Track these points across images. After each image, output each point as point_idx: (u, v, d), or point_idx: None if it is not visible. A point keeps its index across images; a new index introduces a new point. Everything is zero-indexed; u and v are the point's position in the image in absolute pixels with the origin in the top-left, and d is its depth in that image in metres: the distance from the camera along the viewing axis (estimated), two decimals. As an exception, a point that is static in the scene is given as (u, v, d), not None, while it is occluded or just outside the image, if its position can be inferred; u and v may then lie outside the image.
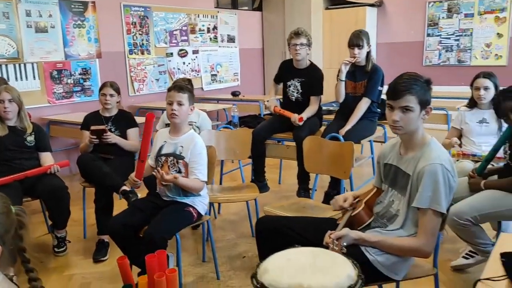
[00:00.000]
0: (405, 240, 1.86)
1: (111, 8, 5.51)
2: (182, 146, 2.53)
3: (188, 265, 2.99)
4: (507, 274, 1.31)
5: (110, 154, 3.39)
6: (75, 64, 5.21)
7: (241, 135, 3.38)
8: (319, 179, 3.12)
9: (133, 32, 5.76)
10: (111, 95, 3.48)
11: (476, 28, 6.85)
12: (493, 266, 1.38)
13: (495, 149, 2.66)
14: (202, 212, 2.62)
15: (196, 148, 2.51)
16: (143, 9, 5.85)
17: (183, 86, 2.55)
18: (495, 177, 2.70)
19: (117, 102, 3.56)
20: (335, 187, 3.40)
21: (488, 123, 3.21)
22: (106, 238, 3.16)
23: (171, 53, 6.29)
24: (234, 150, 3.37)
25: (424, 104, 1.84)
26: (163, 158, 2.57)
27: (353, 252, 1.80)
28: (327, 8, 7.66)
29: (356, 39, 3.47)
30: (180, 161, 2.51)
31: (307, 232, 2.04)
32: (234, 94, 6.36)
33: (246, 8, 7.99)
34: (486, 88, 3.15)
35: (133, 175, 2.56)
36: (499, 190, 2.51)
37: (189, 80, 3.53)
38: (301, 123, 3.61)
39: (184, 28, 6.44)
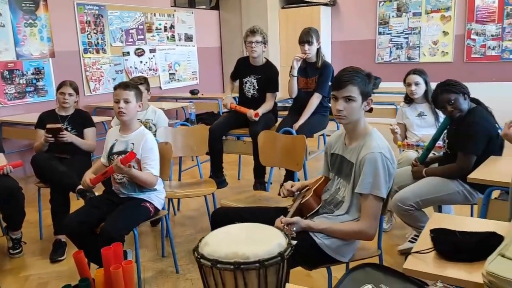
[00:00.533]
0: (349, 225, 1.99)
1: (63, 6, 5.42)
2: (133, 143, 2.57)
3: (147, 261, 3.02)
4: (434, 247, 1.45)
5: (66, 153, 3.37)
6: (27, 63, 5.09)
7: (198, 131, 3.45)
8: (276, 174, 3.24)
9: (87, 31, 5.68)
10: (70, 94, 3.46)
11: (423, 27, 7.18)
12: (423, 241, 1.52)
13: (435, 139, 2.86)
14: (159, 207, 2.67)
15: (147, 143, 2.56)
16: (97, 8, 5.78)
17: (128, 83, 2.60)
18: (436, 165, 2.89)
19: (75, 102, 3.54)
20: (289, 179, 3.52)
21: (426, 115, 3.44)
22: (63, 237, 3.14)
23: (128, 52, 6.25)
24: (192, 147, 3.43)
25: (365, 95, 1.97)
26: (115, 156, 2.59)
27: (302, 236, 1.92)
28: (283, 7, 7.82)
29: (306, 36, 3.61)
30: (132, 158, 2.55)
31: (260, 220, 2.14)
32: (193, 92, 6.39)
33: (204, 7, 8.02)
34: (416, 84, 3.39)
35: (88, 177, 2.58)
36: (439, 177, 2.70)
37: (145, 79, 3.55)
38: (257, 118, 3.71)
39: (141, 27, 6.41)
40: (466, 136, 2.58)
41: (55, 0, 5.29)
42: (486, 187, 2.27)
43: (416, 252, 1.44)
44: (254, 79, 3.89)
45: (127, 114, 2.54)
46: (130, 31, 6.25)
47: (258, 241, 1.00)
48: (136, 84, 2.78)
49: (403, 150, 3.39)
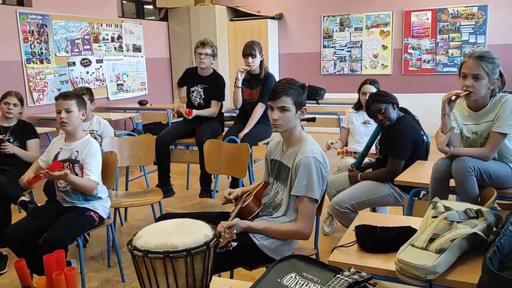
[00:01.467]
0: (287, 225, 2.12)
1: (5, 15, 5.29)
2: (77, 151, 2.59)
3: (93, 271, 3.01)
4: (357, 240, 1.60)
5: (7, 164, 3.31)
6: (-34, 73, 4.92)
7: (145, 141, 3.49)
8: (224, 181, 3.33)
9: (30, 40, 5.57)
10: (15, 105, 3.42)
11: (365, 41, 7.58)
12: (348, 237, 1.67)
13: (368, 146, 3.08)
14: (104, 216, 2.69)
15: (90, 150, 2.59)
16: (41, 17, 5.67)
17: (69, 93, 2.63)
18: (371, 170, 3.10)
19: (19, 113, 3.50)
20: (235, 186, 3.63)
21: (370, 124, 3.65)
22: (4, 251, 3.07)
23: (73, 62, 6.16)
24: (138, 156, 3.46)
25: (299, 105, 2.12)
26: (61, 164, 2.60)
27: (243, 238, 2.03)
28: (231, 20, 7.99)
29: (249, 49, 3.76)
30: (76, 165, 2.57)
31: (203, 225, 2.24)
32: (141, 103, 6.38)
33: (153, 18, 8.05)
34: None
35: (26, 177, 2.56)
36: (373, 181, 2.90)
37: (88, 89, 3.57)
38: (190, 116, 3.86)
39: (87, 37, 6.34)
40: (395, 142, 2.80)
41: (-4, 8, 5.17)
42: (412, 188, 2.49)
43: (341, 246, 1.59)
44: (201, 89, 4.00)
45: (70, 124, 2.56)
46: (76, 41, 6.17)
47: (187, 233, 1.10)
48: (78, 93, 2.80)
49: (342, 157, 3.59)
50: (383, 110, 2.85)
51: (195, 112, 3.89)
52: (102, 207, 2.66)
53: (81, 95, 2.83)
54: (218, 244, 1.12)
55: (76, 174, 2.57)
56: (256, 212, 2.24)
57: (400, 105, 2.95)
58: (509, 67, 6.48)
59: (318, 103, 6.65)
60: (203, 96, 4.01)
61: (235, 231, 2.00)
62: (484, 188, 2.14)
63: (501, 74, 2.25)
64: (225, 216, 2.30)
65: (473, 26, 6.82)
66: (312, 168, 2.06)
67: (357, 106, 3.74)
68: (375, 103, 2.89)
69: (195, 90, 4.04)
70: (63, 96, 2.57)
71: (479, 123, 2.28)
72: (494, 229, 1.54)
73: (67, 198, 2.61)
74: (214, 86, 4.00)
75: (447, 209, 1.56)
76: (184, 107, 4.01)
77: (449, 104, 2.25)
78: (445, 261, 1.38)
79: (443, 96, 2.26)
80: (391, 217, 2.17)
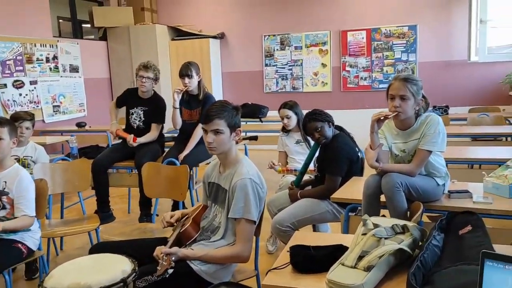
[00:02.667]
0: (225, 250, 2.10)
1: None
2: (5, 182, 2.44)
3: (23, 307, 2.83)
4: (290, 261, 1.61)
5: None
6: None
7: (79, 166, 3.35)
8: (165, 204, 3.24)
9: (-45, 62, 5.24)
10: None
11: (305, 59, 7.79)
12: (283, 258, 1.67)
13: (306, 163, 3.14)
14: (34, 248, 2.53)
15: (21, 183, 2.44)
16: (-33, 37, 5.37)
17: (1, 119, 2.49)
18: (310, 187, 3.15)
19: None
20: (176, 209, 3.56)
21: (302, 142, 3.73)
22: None
23: (5, 84, 5.84)
24: (73, 182, 3.31)
25: (233, 127, 2.12)
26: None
27: (180, 264, 1.99)
28: (173, 39, 7.94)
29: (185, 70, 3.74)
30: (4, 197, 2.42)
31: (139, 253, 2.17)
32: (79, 125, 6.15)
33: (93, 37, 7.84)
34: (288, 117, 3.67)
35: None
36: (312, 198, 2.95)
37: (32, 115, 3.47)
38: (135, 144, 3.75)
39: (19, 57, 6.05)
40: (331, 160, 2.88)
41: None
42: (348, 204, 2.55)
43: (275, 268, 1.59)
44: (141, 111, 3.92)
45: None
46: (7, 62, 5.88)
47: (103, 270, 1.06)
48: (9, 120, 2.66)
49: (283, 176, 3.63)
50: (319, 129, 2.93)
51: (138, 140, 3.79)
52: (31, 238, 2.51)
53: (26, 121, 2.69)
54: (137, 279, 1.08)
55: (4, 207, 2.41)
56: (195, 237, 2.20)
57: (336, 123, 3.05)
58: (437, 82, 6.93)
59: (262, 121, 6.71)
60: (143, 119, 3.92)
61: (173, 258, 1.95)
62: (412, 202, 2.23)
63: (424, 96, 2.38)
64: (163, 241, 2.24)
65: (404, 45, 7.21)
66: (248, 190, 2.06)
67: (284, 129, 3.80)
68: (311, 121, 2.96)
69: (134, 112, 3.95)
70: None
71: (407, 141, 2.40)
72: (420, 243, 1.61)
73: (-7, 231, 2.44)
74: (154, 109, 3.92)
75: (376, 226, 1.61)
76: (121, 129, 3.91)
77: (378, 123, 2.34)
78: (374, 278, 1.42)
79: (373, 115, 2.36)
80: (325, 236, 2.21)
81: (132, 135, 3.78)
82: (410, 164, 2.34)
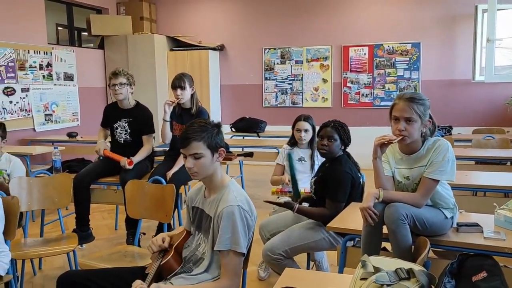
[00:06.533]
0: (209, 286, 1.89)
1: None
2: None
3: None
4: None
5: None
6: None
7: (60, 181, 3.12)
8: (151, 223, 3.02)
9: None
10: None
11: (305, 74, 7.62)
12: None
13: (292, 175, 3.10)
14: (1, 273, 2.31)
15: None
16: (-43, 42, 5.20)
17: None
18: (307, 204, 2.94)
19: None
20: (161, 230, 3.34)
21: (305, 161, 3.53)
22: None
23: (-5, 91, 5.67)
24: (52, 198, 3.09)
25: (214, 148, 1.90)
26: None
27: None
28: (171, 50, 7.79)
29: (178, 81, 3.53)
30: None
31: (112, 284, 1.96)
32: (71, 135, 5.95)
33: (92, 45, 7.68)
34: (306, 130, 3.48)
35: None
36: (307, 223, 2.73)
37: (2, 125, 3.23)
38: (131, 167, 3.49)
39: (11, 64, 5.88)
40: (335, 184, 2.65)
41: None
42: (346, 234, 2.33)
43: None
44: (125, 123, 3.68)
45: None
46: (-2, 68, 5.70)
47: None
48: None
49: (278, 197, 3.41)
50: (332, 140, 2.73)
51: (134, 160, 3.53)
52: (-1, 262, 2.29)
53: None
54: None
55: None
56: (177, 270, 1.98)
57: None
58: (440, 101, 6.74)
59: (259, 136, 6.51)
60: (128, 131, 3.67)
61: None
62: (418, 236, 2.01)
63: (430, 117, 2.17)
64: (139, 272, 2.02)
65: (407, 62, 7.05)
66: (236, 219, 1.85)
67: (292, 142, 3.61)
68: (333, 128, 2.77)
69: (119, 125, 3.69)
70: None
71: (412, 167, 2.18)
72: (427, 291, 1.40)
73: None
74: (141, 120, 3.67)
75: (377, 270, 1.40)
76: (109, 150, 3.66)
77: (381, 148, 2.13)
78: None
79: (375, 139, 2.15)
80: (320, 275, 1.99)
81: (126, 159, 3.49)
82: (415, 194, 2.12)
